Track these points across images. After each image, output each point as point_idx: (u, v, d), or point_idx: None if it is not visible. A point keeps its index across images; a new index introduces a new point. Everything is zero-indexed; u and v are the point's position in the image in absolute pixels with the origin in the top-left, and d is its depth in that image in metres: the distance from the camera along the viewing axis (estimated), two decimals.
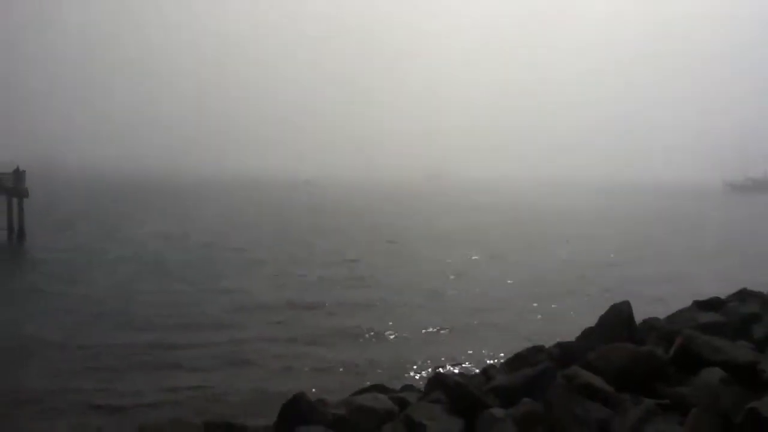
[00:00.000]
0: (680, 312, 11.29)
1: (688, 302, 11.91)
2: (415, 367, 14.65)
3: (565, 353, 8.98)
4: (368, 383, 10.39)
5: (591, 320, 10.21)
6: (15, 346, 15.92)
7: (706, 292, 13.32)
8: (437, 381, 8.92)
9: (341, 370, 14.38)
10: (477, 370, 10.98)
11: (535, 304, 22.12)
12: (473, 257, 34.68)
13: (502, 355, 13.92)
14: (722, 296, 11.92)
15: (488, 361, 13.25)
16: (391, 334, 17.64)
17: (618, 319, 9.35)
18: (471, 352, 16.10)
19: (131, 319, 18.74)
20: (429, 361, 14.97)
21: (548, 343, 10.50)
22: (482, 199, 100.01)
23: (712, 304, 11.02)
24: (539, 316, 20.49)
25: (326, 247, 36.93)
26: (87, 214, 53.80)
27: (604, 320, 9.59)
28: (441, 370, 10.58)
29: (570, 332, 11.69)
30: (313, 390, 11.60)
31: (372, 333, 17.69)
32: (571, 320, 18.35)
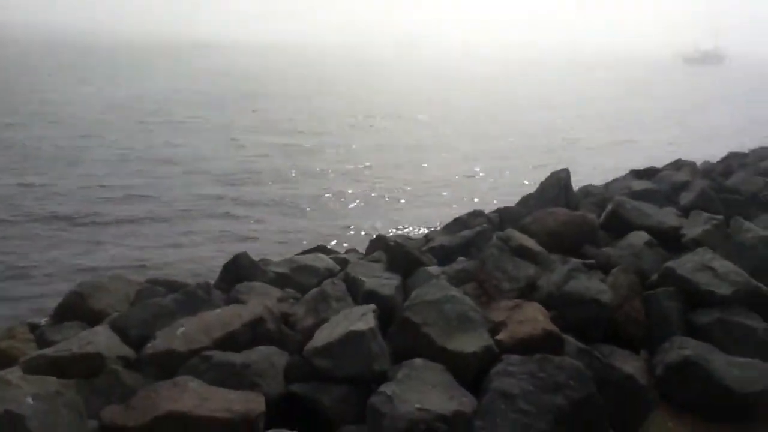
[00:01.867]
0: (616, 180, 11.71)
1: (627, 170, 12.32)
2: (359, 233, 14.93)
3: (503, 218, 9.29)
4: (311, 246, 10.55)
5: (532, 187, 10.50)
6: None
7: (648, 162, 13.77)
8: (378, 242, 9.19)
9: (286, 237, 14.54)
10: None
11: (480, 172, 22.48)
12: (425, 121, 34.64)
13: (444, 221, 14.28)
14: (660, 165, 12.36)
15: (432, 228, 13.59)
16: (336, 203, 17.78)
17: (556, 186, 9.62)
18: (415, 218, 16.45)
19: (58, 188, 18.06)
20: (373, 227, 15.25)
21: (489, 208, 10.80)
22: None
23: (647, 173, 11.43)
24: (485, 183, 20.88)
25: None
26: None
27: (543, 187, 9.85)
28: (381, 233, 10.78)
29: (512, 199, 12.00)
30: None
31: (316, 201, 17.78)
32: (515, 186, 18.80)
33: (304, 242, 13.31)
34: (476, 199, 18.27)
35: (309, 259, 7.94)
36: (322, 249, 9.66)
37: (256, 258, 7.85)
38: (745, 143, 21.89)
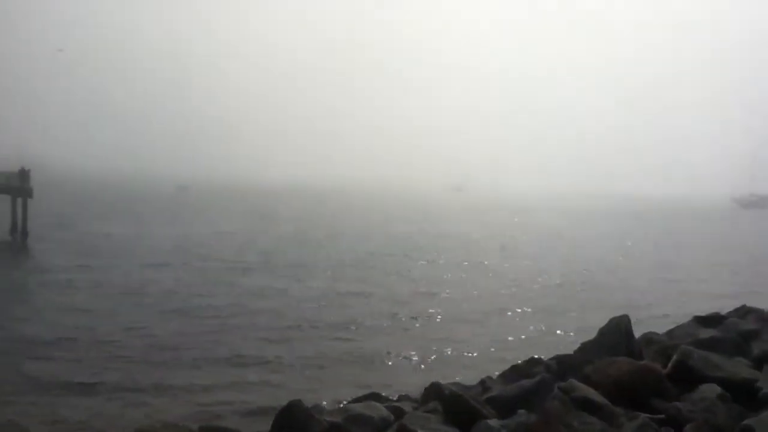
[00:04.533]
0: (680, 327, 11.28)
1: (688, 317, 11.91)
2: (412, 377, 14.58)
3: (563, 366, 8.98)
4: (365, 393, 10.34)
5: (591, 334, 10.21)
6: (24, 340, 16.08)
7: (707, 308, 13.31)
8: (434, 391, 8.93)
9: (339, 380, 14.32)
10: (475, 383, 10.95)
11: (537, 316, 22.02)
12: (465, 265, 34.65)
13: (501, 367, 13.88)
14: (723, 312, 11.91)
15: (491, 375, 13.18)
16: (389, 346, 17.53)
17: (617, 333, 9.32)
18: (470, 363, 16.04)
19: (136, 318, 18.80)
20: (427, 372, 14.89)
21: (547, 355, 10.49)
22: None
23: (711, 320, 11.00)
24: (542, 328, 20.39)
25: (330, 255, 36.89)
26: (85, 212, 54.23)
27: (602, 333, 9.56)
28: (439, 381, 10.50)
29: (570, 346, 11.67)
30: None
31: (370, 346, 17.58)
32: (572, 334, 18.30)
33: (357, 386, 13.05)
34: (530, 343, 17.78)
35: (363, 408, 7.77)
36: (375, 396, 9.45)
37: (309, 405, 7.73)
38: None
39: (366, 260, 35.06)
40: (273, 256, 34.43)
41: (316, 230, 51.19)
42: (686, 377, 7.58)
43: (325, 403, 9.09)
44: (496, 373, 10.62)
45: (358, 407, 7.87)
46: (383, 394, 10.77)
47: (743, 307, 12.11)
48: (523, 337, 19.09)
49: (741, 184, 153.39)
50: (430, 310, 22.47)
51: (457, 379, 13.63)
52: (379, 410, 7.76)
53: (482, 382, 9.99)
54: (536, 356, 10.03)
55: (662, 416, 6.36)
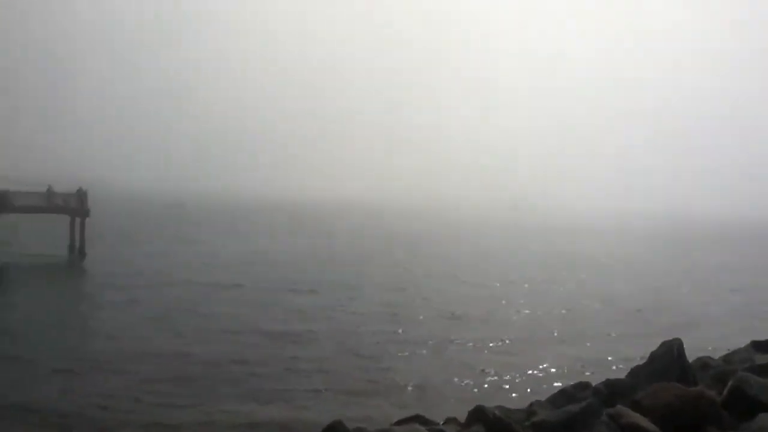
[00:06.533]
0: (736, 352, 10.85)
1: (745, 342, 11.45)
2: (458, 399, 14.39)
3: (612, 391, 8.71)
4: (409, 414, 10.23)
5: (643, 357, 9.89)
6: (86, 358, 16.59)
7: (766, 333, 12.78)
8: (478, 414, 8.77)
9: (383, 399, 14.25)
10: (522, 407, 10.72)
11: (588, 343, 21.44)
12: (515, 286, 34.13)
13: (548, 389, 13.58)
14: None
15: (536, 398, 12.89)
16: (435, 367, 17.37)
17: (668, 357, 9.01)
18: (518, 386, 15.75)
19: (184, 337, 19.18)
20: (473, 394, 14.70)
21: (597, 379, 10.21)
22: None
23: None
24: (594, 352, 19.86)
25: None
26: (138, 233, 55.87)
27: (654, 358, 9.26)
28: (484, 404, 10.32)
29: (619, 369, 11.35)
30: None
31: (415, 364, 17.47)
32: (624, 356, 17.79)
33: (402, 406, 12.96)
34: (582, 369, 17.32)
35: (407, 430, 7.67)
36: (419, 419, 9.32)
37: (351, 426, 7.69)
38: None
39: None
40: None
41: (397, 248, 51.21)
42: (743, 405, 7.25)
43: (366, 425, 9.00)
44: (545, 398, 10.39)
45: (402, 429, 7.78)
46: (428, 416, 10.66)
47: None
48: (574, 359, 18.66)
49: None
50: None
51: (506, 402, 13.41)
52: None
53: (529, 406, 9.77)
54: (586, 380, 9.76)
55: None
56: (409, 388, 15.05)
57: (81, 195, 39.32)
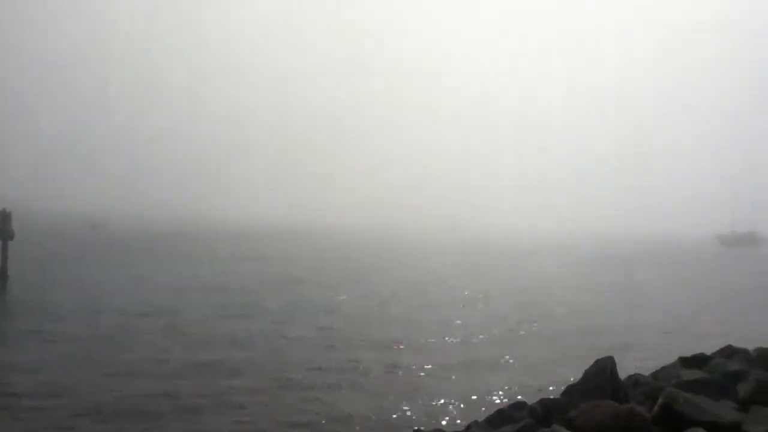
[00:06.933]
0: (665, 368, 11.17)
1: (674, 357, 11.80)
2: (395, 426, 14.23)
3: (547, 410, 8.80)
4: None
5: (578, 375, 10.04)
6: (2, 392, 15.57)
7: (692, 348, 13.22)
8: None
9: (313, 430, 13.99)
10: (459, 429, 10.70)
11: (526, 364, 21.63)
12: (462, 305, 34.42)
13: (486, 411, 13.60)
14: (708, 353, 11.81)
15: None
16: (371, 393, 17.14)
17: (602, 375, 9.20)
18: (455, 409, 15.72)
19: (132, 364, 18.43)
20: (409, 419, 14.55)
21: (534, 399, 10.28)
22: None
23: (696, 361, 10.91)
24: (532, 373, 20.03)
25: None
26: (65, 255, 53.71)
27: (587, 376, 9.44)
28: (421, 428, 10.26)
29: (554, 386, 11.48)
30: None
31: (351, 392, 17.21)
32: (559, 374, 18.06)
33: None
34: (519, 389, 17.41)
35: None
36: None
37: None
38: None
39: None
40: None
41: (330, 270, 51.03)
42: (672, 421, 7.44)
43: None
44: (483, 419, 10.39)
45: None
46: None
47: (728, 347, 12.04)
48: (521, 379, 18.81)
49: (723, 222, 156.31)
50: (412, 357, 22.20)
51: (444, 425, 13.35)
52: None
53: (467, 428, 9.76)
54: (522, 400, 9.82)
55: None
56: (345, 416, 14.75)
57: (4, 216, 37.41)
